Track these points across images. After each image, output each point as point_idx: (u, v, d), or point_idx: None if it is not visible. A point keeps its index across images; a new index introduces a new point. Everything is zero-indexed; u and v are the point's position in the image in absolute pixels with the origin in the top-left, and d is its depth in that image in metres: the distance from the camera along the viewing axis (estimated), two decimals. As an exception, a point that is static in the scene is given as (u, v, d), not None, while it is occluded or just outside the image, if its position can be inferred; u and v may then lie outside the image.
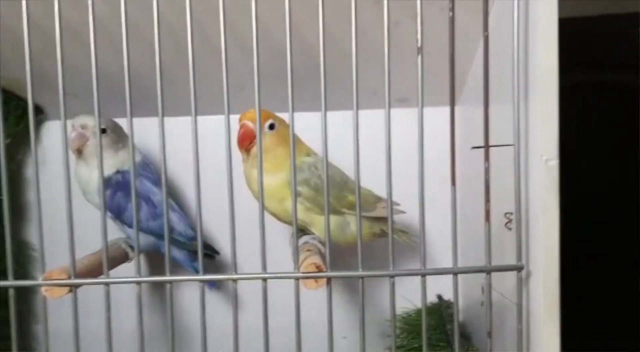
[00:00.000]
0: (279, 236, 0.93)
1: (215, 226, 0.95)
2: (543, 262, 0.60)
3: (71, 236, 0.61)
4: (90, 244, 0.72)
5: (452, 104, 0.61)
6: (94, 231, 0.70)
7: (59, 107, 0.64)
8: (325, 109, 0.59)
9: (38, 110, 0.94)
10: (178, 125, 0.81)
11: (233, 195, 0.60)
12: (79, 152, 0.80)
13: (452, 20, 0.59)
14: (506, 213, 0.69)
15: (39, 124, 0.97)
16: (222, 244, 0.94)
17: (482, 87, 0.74)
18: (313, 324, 0.68)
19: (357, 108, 0.59)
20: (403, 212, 0.82)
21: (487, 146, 0.62)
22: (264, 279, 0.60)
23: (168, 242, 0.60)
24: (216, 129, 0.75)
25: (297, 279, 0.60)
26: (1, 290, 0.85)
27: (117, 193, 0.79)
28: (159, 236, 0.82)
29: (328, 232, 0.60)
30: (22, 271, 0.95)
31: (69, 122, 0.81)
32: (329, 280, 0.60)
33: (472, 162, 0.84)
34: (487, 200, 0.62)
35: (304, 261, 0.63)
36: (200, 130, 0.72)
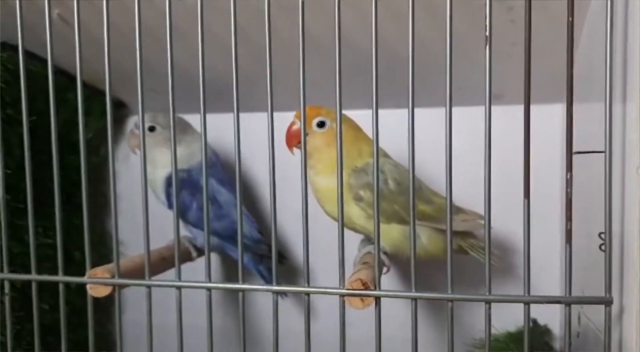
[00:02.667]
0: (355, 241, 0.87)
1: (285, 229, 0.90)
2: (636, 294, 0.49)
3: (116, 236, 0.60)
4: (161, 239, 0.71)
5: (527, 101, 0.52)
6: (165, 226, 0.69)
7: (137, 102, 0.63)
8: (377, 106, 0.53)
9: (121, 105, 0.95)
10: (252, 122, 0.78)
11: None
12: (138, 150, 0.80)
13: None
14: (600, 233, 0.58)
15: (122, 118, 0.98)
16: (292, 248, 0.90)
17: (589, 84, 0.64)
18: (391, 338, 0.62)
19: (413, 107, 0.53)
20: None
21: (569, 153, 0.52)
22: (307, 294, 0.55)
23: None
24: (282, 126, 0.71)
25: (341, 295, 0.54)
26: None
27: (181, 191, 0.77)
28: (224, 237, 0.79)
29: (378, 249, 0.53)
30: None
31: None
32: (377, 300, 0.54)
33: (579, 169, 0.73)
34: (569, 218, 0.52)
35: (352, 276, 0.57)
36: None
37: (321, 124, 0.67)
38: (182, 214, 0.78)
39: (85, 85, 0.91)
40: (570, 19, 0.50)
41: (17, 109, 0.76)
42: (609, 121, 0.50)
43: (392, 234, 0.67)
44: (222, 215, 0.78)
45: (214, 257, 0.93)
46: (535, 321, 0.81)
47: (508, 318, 0.79)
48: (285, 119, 0.77)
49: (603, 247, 0.58)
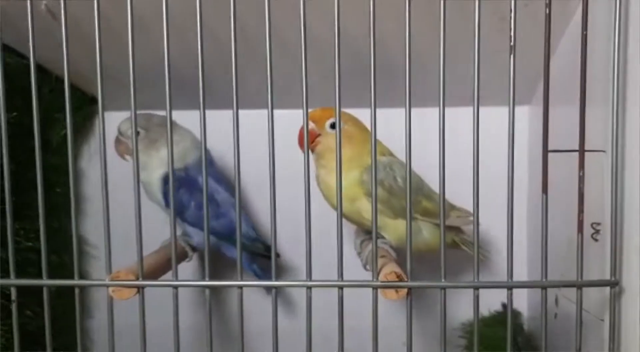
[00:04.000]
0: (346, 235, 0.90)
1: (282, 228, 0.90)
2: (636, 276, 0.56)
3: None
4: (147, 240, 0.69)
5: (546, 106, 0.57)
6: (151, 227, 0.67)
7: (114, 99, 0.60)
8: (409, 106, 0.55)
9: (93, 100, 0.92)
10: (241, 119, 0.77)
11: (310, 198, 0.57)
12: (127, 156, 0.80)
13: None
14: (593, 223, 0.64)
15: (93, 114, 0.94)
16: (284, 246, 0.91)
17: (563, 86, 0.70)
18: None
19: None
20: None
21: (582, 152, 0.58)
22: (340, 287, 0.57)
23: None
24: (282, 124, 0.71)
25: (375, 288, 0.57)
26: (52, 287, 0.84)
27: (179, 190, 0.76)
28: (221, 236, 0.79)
29: (410, 240, 0.56)
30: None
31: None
32: (409, 291, 0.57)
33: (550, 166, 0.80)
34: (581, 210, 0.58)
35: (382, 269, 0.59)
36: (264, 125, 0.68)
37: (334, 126, 0.68)
38: (179, 213, 0.77)
39: (58, 79, 0.88)
40: (585, 32, 0.56)
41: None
42: (615, 123, 0.56)
43: (398, 228, 0.71)
44: (220, 213, 0.78)
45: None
46: (505, 306, 0.88)
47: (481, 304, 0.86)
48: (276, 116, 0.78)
49: (595, 236, 0.65)
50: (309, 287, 0.58)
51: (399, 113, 0.65)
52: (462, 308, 0.82)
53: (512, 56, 0.56)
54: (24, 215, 0.73)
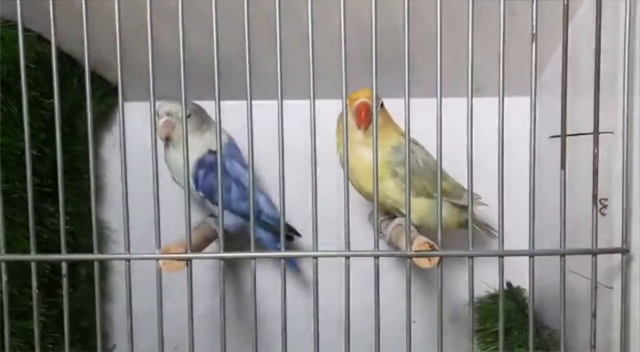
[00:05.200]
0: (360, 216, 0.95)
1: (299, 209, 0.93)
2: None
3: (188, 216, 0.62)
4: (171, 224, 0.69)
5: (564, 94, 0.63)
6: (176, 210, 0.70)
7: (138, 88, 0.61)
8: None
9: (116, 90, 0.94)
10: (262, 108, 0.81)
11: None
12: (167, 139, 0.81)
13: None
14: (601, 199, 0.70)
15: (116, 104, 0.96)
16: (302, 224, 0.93)
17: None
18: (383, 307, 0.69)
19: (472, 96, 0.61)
20: (485, 204, 0.83)
21: (596, 133, 0.63)
22: (377, 257, 0.61)
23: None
24: (303, 114, 0.75)
25: (409, 257, 0.61)
26: (81, 270, 0.87)
27: (210, 173, 0.80)
28: (248, 217, 0.82)
29: (440, 214, 0.60)
30: (101, 248, 0.95)
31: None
32: (440, 259, 0.62)
33: (550, 151, 0.85)
34: (595, 184, 0.63)
35: (413, 240, 0.64)
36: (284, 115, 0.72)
37: (382, 105, 0.74)
38: (210, 196, 0.81)
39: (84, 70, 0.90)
40: (599, 22, 0.62)
41: (38, 91, 0.74)
42: (626, 107, 0.62)
43: (419, 207, 0.76)
44: (246, 196, 0.81)
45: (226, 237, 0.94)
46: (509, 284, 0.94)
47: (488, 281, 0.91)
48: (295, 107, 0.81)
49: (603, 210, 0.70)
50: (347, 257, 0.61)
51: (416, 102, 0.69)
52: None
53: (534, 43, 0.60)
54: (56, 198, 0.76)
